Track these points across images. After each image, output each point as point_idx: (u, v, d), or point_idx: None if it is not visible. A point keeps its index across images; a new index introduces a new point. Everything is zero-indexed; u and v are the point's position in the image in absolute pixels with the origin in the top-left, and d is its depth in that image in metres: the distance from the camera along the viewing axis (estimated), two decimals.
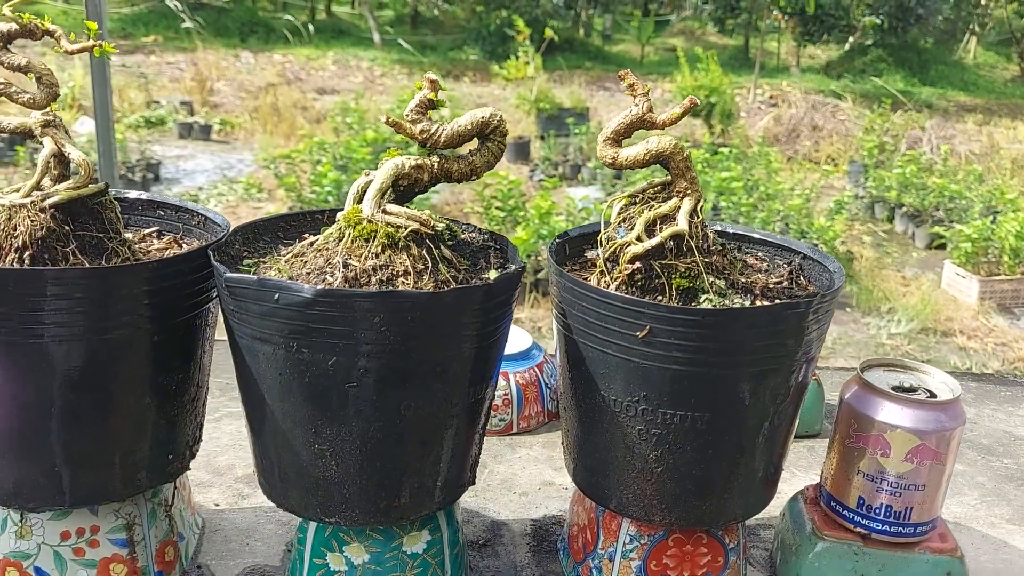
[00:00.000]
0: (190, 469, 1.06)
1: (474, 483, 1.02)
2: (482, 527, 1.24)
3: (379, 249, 0.88)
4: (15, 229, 0.88)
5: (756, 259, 1.08)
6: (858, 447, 1.03)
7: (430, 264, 0.89)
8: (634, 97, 0.96)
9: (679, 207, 0.95)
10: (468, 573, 1.12)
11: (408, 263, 0.88)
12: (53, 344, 0.86)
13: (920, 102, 9.86)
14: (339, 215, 0.93)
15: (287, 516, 1.21)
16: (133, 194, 1.12)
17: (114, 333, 0.89)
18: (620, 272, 0.93)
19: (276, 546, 1.16)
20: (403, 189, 0.96)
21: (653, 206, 0.96)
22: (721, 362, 0.89)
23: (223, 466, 1.36)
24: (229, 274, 0.85)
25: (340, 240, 0.90)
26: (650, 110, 0.95)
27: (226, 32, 11.63)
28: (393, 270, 0.87)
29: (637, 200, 0.99)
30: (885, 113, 7.96)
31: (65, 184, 0.92)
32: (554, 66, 10.35)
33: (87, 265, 0.89)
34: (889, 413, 1.01)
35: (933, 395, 1.04)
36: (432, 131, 0.94)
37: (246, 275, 0.85)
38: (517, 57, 8.75)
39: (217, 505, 1.25)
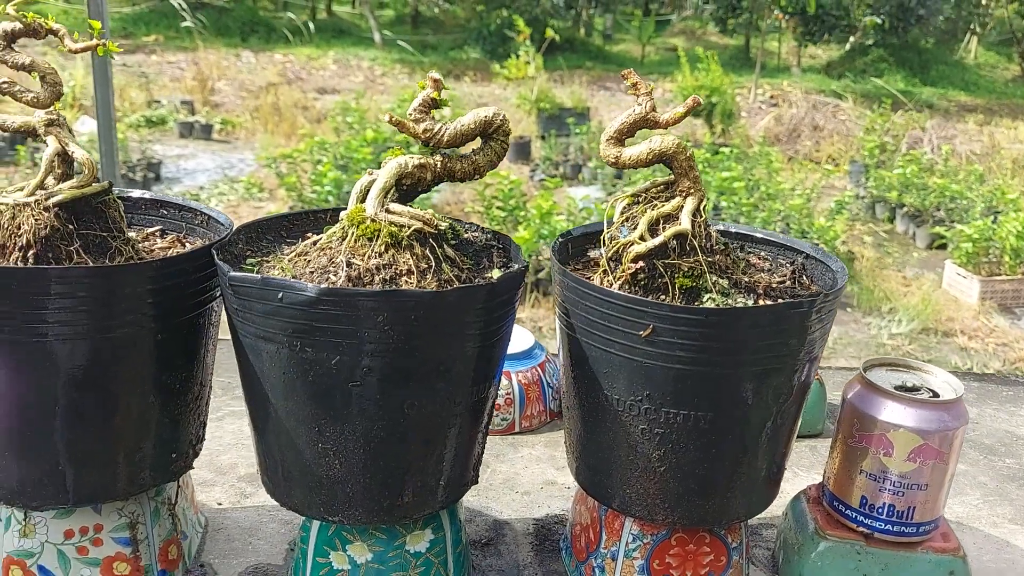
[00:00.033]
0: (193, 468, 1.06)
1: (477, 482, 1.02)
2: (484, 526, 1.24)
3: (382, 248, 0.88)
4: (19, 228, 0.88)
5: (759, 258, 1.08)
6: (861, 446, 1.03)
7: (433, 263, 0.89)
8: (637, 96, 0.96)
9: (682, 206, 0.95)
10: (471, 572, 1.12)
11: (411, 262, 0.88)
12: (57, 343, 0.86)
13: (921, 102, 9.85)
14: (342, 214, 0.93)
15: (290, 515, 1.21)
16: (136, 193, 1.12)
17: (118, 332, 0.89)
18: (623, 271, 0.93)
19: (279, 545, 1.16)
20: (406, 188, 0.96)
21: (656, 205, 0.97)
22: (724, 361, 0.89)
23: (225, 465, 1.36)
24: (233, 273, 0.85)
25: (343, 239, 0.90)
26: (653, 109, 0.95)
27: (227, 31, 11.63)
28: (396, 269, 0.87)
29: (640, 199, 0.99)
30: (886, 113, 7.95)
31: (69, 183, 0.92)
32: (555, 66, 10.34)
33: (91, 264, 0.89)
34: (892, 413, 1.01)
35: (936, 395, 1.04)
36: (435, 130, 0.94)
37: (250, 274, 0.85)
38: (518, 56, 8.75)
39: (220, 504, 1.26)
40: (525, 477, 1.38)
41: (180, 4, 10.20)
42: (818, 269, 1.04)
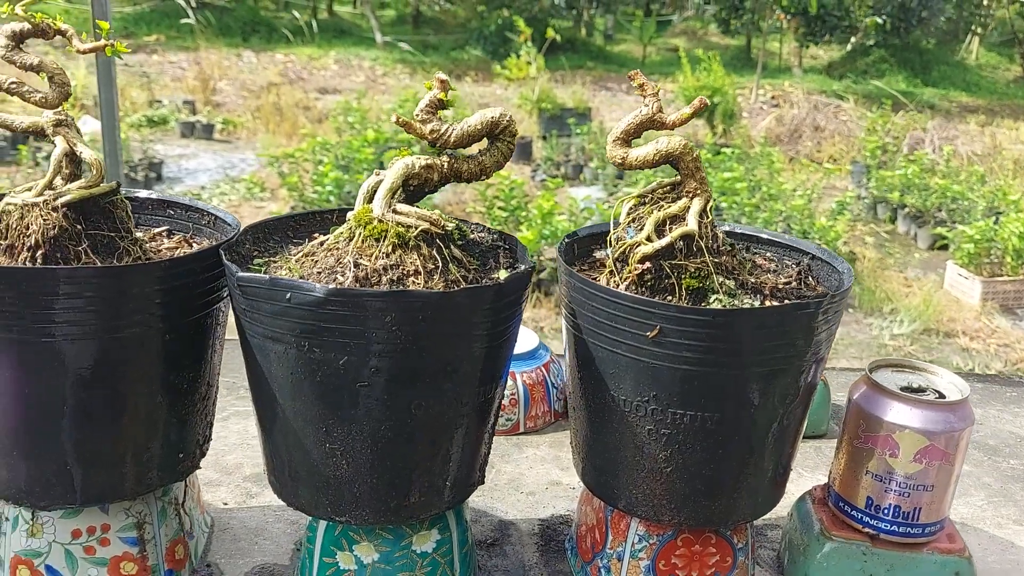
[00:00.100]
0: (200, 468, 1.06)
1: (483, 482, 1.02)
2: (490, 526, 1.24)
3: (390, 249, 0.88)
4: (28, 228, 0.88)
5: (765, 259, 1.08)
6: (867, 447, 1.03)
7: (440, 264, 0.89)
8: (644, 97, 0.96)
9: (689, 207, 0.95)
10: (477, 572, 1.12)
11: (419, 263, 0.88)
12: (65, 343, 0.86)
13: (922, 103, 9.85)
14: (349, 215, 0.93)
15: (296, 515, 1.21)
16: (143, 193, 1.12)
17: (126, 332, 0.89)
18: (630, 272, 0.93)
19: (285, 545, 1.16)
20: (413, 189, 0.96)
21: (663, 206, 0.97)
22: (731, 362, 0.89)
23: (231, 465, 1.36)
24: (241, 273, 0.85)
25: (351, 240, 0.90)
26: (660, 110, 0.95)
27: (228, 31, 11.63)
28: (404, 270, 0.87)
29: (646, 200, 0.99)
30: (887, 114, 7.95)
31: (77, 183, 0.93)
32: (556, 66, 10.35)
33: (99, 264, 0.90)
34: (898, 414, 1.01)
35: (942, 396, 1.04)
36: (442, 131, 0.94)
37: (258, 274, 0.85)
38: (519, 56, 8.75)
39: (225, 504, 1.26)
40: (530, 478, 1.38)
41: (184, 1, 10.19)
42: (824, 270, 1.04)
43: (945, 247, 5.51)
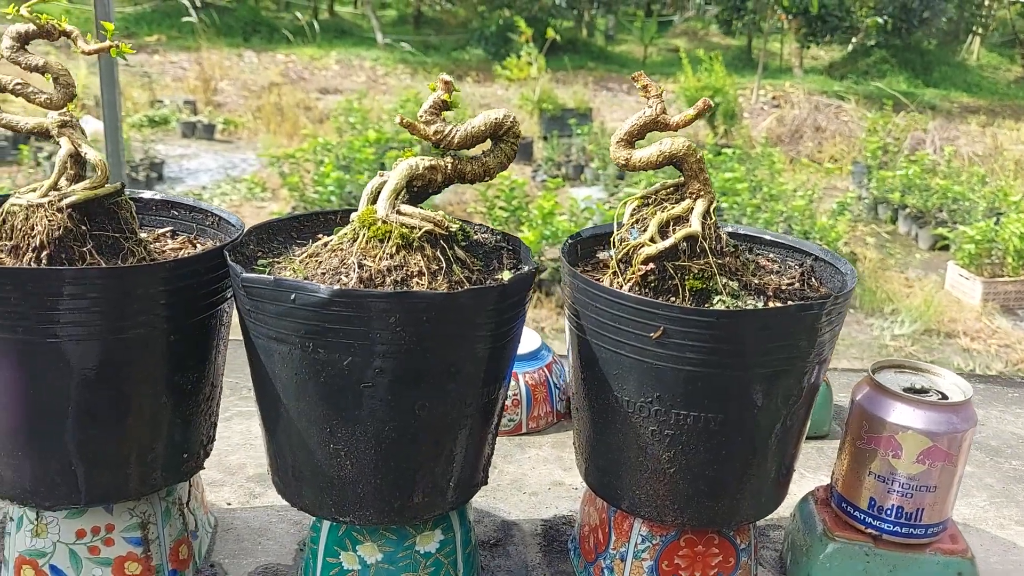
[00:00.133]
0: (203, 468, 1.06)
1: (487, 483, 1.02)
2: (493, 527, 1.24)
3: (394, 250, 0.88)
4: (33, 229, 0.88)
5: (768, 260, 1.09)
6: (869, 448, 1.04)
7: (444, 265, 0.89)
8: (647, 98, 0.96)
9: (692, 208, 0.96)
10: (480, 573, 1.13)
11: (423, 264, 0.88)
12: (70, 343, 0.86)
13: (923, 103, 9.85)
14: (353, 216, 0.93)
15: (299, 515, 1.21)
16: (148, 194, 1.12)
17: (130, 333, 0.89)
18: (633, 273, 0.93)
19: (289, 545, 1.16)
20: (417, 190, 0.96)
21: (666, 207, 0.97)
22: (734, 363, 0.89)
23: (234, 465, 1.36)
24: (246, 274, 0.85)
25: (355, 241, 0.90)
26: (663, 112, 0.95)
27: (229, 31, 11.64)
28: (408, 271, 0.88)
29: (650, 201, 0.99)
30: (888, 114, 7.95)
31: (82, 184, 0.93)
32: (557, 66, 10.35)
33: (104, 265, 0.90)
34: (901, 414, 1.01)
35: (945, 396, 1.04)
36: (446, 132, 0.94)
37: (263, 275, 0.85)
38: (519, 57, 8.75)
39: (229, 504, 1.26)
40: (533, 478, 1.38)
41: (187, 0, 10.20)
42: (827, 271, 1.05)
43: (946, 248, 5.51)
